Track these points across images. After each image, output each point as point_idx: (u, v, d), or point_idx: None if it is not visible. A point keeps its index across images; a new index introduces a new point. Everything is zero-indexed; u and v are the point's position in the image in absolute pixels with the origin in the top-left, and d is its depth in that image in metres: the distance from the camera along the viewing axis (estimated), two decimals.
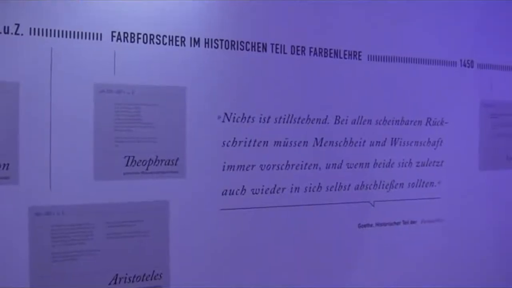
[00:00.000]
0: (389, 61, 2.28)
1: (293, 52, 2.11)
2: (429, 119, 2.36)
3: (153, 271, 1.91)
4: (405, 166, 2.32)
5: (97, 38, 1.81)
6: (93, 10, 1.80)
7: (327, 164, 2.18)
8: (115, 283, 1.86)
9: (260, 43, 2.06)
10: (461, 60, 2.43)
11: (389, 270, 2.31)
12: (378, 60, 2.26)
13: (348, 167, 2.22)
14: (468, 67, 2.45)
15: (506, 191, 2.55)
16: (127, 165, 1.86)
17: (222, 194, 2.01)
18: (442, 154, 2.39)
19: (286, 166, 2.11)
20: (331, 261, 2.21)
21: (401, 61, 2.31)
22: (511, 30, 2.55)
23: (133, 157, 1.87)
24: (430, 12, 2.36)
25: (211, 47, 1.98)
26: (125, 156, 1.85)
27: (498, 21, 2.52)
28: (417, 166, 2.34)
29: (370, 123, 2.25)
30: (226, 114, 2.01)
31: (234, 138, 2.02)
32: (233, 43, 2.01)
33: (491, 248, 2.52)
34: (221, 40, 2.00)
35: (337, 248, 2.23)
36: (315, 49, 2.15)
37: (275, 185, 2.09)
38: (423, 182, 2.36)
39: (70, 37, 1.77)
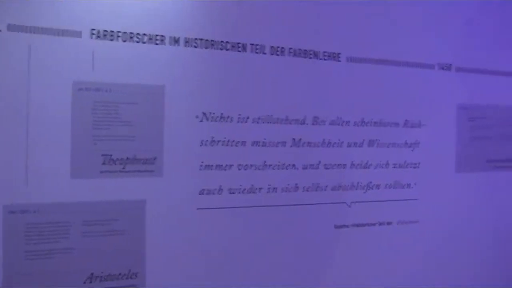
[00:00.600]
0: (368, 63, 2.33)
1: (272, 52, 2.15)
2: (406, 121, 2.41)
3: (129, 270, 1.94)
4: (382, 167, 2.37)
5: (76, 36, 1.84)
6: (72, 8, 1.83)
7: (304, 164, 2.22)
8: (90, 282, 1.89)
9: (239, 43, 2.10)
10: (439, 63, 2.49)
11: (365, 270, 2.36)
12: (357, 62, 2.31)
13: (325, 168, 2.26)
14: (447, 70, 2.50)
15: (482, 193, 2.61)
16: (104, 163, 1.88)
17: (199, 194, 2.04)
18: (419, 156, 2.45)
19: (264, 166, 2.15)
20: (307, 261, 2.26)
21: (380, 63, 2.35)
22: (490, 34, 2.61)
23: (111, 155, 1.89)
24: (410, 15, 2.42)
25: (191, 46, 2.01)
26: (103, 155, 1.88)
27: (477, 25, 2.58)
28: (394, 167, 2.40)
29: (348, 125, 2.29)
30: (204, 113, 2.04)
31: (212, 137, 2.06)
32: (212, 42, 2.05)
33: (467, 249, 2.59)
34: (201, 39, 2.03)
35: (313, 248, 2.27)
36: (294, 50, 2.19)
37: (252, 185, 2.13)
38: (400, 184, 2.42)
39: (48, 34, 1.80)
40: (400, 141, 2.41)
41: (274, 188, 2.18)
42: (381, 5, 2.35)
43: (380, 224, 2.39)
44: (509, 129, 2.67)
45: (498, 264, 2.66)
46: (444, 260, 2.54)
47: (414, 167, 2.44)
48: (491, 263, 2.65)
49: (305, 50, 2.22)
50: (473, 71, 2.58)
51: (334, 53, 2.27)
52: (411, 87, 2.43)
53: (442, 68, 2.50)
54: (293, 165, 2.21)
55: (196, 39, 2.02)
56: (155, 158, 1.97)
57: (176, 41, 1.99)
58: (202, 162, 2.05)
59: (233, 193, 2.11)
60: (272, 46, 2.15)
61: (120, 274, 1.93)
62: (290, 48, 2.19)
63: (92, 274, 1.89)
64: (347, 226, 2.33)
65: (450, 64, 2.52)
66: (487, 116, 2.62)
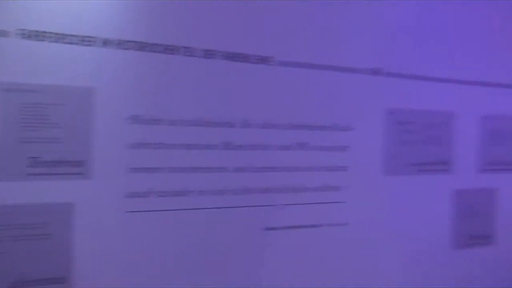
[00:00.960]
0: (299, 67, 2.38)
1: (204, 55, 2.18)
2: (336, 125, 2.48)
3: (57, 274, 1.94)
4: (312, 170, 2.43)
5: (3, 36, 1.83)
6: None
7: (234, 167, 2.26)
8: (16, 286, 1.88)
9: (171, 45, 2.12)
10: (369, 68, 2.56)
11: (295, 272, 2.41)
12: (288, 65, 2.36)
13: (255, 171, 2.31)
14: (376, 74, 2.58)
15: (409, 196, 2.70)
16: (31, 166, 1.88)
17: (128, 197, 2.06)
18: (347, 159, 2.51)
19: (194, 169, 2.18)
20: (237, 264, 2.30)
21: (310, 67, 2.41)
22: (420, 40, 2.71)
23: (38, 157, 1.89)
24: (341, 19, 2.49)
25: (122, 48, 2.03)
26: (30, 157, 1.88)
27: (408, 31, 2.67)
28: (323, 170, 2.45)
29: (278, 128, 2.34)
30: (134, 116, 2.06)
31: (142, 140, 2.08)
32: (144, 45, 2.07)
33: (395, 251, 2.68)
34: (133, 41, 2.05)
35: (244, 251, 2.31)
36: (226, 53, 2.22)
37: (182, 188, 2.16)
38: (329, 187, 2.48)
39: None
40: (329, 144, 2.47)
41: (203, 191, 2.21)
42: (313, 10, 2.41)
43: (310, 226, 2.45)
44: (435, 133, 2.77)
45: (423, 265, 2.76)
46: (372, 261, 2.62)
47: (342, 170, 2.51)
48: (417, 264, 2.74)
49: (237, 54, 2.25)
50: (402, 76, 2.66)
51: (266, 56, 2.32)
52: (340, 91, 2.49)
53: (372, 73, 2.57)
54: (223, 168, 2.24)
55: (127, 41, 2.04)
56: (83, 161, 1.97)
57: (107, 42, 2.00)
58: (131, 165, 2.06)
59: (163, 196, 2.13)
60: (203, 49, 2.18)
61: (47, 278, 1.93)
62: (222, 52, 2.22)
63: (18, 278, 1.88)
64: (277, 229, 2.37)
65: (380, 69, 2.59)
66: (414, 121, 2.71)
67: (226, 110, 2.24)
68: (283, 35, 2.36)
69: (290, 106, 2.38)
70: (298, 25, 2.39)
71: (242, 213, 2.30)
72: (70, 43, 1.94)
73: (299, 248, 2.43)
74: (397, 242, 2.69)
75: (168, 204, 2.14)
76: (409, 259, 2.73)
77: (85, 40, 1.97)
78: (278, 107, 2.35)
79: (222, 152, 2.24)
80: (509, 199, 3.00)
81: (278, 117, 2.35)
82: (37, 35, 1.89)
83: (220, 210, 2.25)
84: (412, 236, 2.73)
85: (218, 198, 2.24)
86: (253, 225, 2.33)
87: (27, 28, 1.87)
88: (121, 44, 2.03)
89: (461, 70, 2.83)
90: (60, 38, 1.93)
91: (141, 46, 2.07)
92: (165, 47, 2.11)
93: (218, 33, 2.22)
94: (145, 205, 2.10)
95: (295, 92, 2.39)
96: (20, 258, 1.89)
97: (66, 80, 1.94)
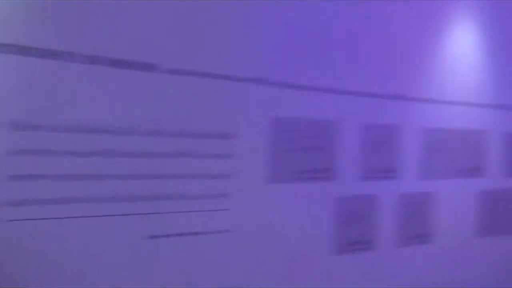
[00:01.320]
0: (185, 74, 2.42)
1: (87, 61, 2.18)
2: (220, 133, 2.54)
3: None
4: (196, 178, 2.47)
5: None
6: None
7: (118, 175, 2.27)
8: None
9: (53, 50, 2.11)
10: (254, 77, 2.64)
11: (179, 280, 2.45)
12: (175, 73, 2.40)
13: (139, 179, 2.33)
14: (261, 83, 2.66)
15: (291, 203, 2.79)
16: None
17: (10, 205, 2.03)
18: (231, 167, 2.57)
19: (76, 176, 2.17)
20: (120, 273, 2.31)
21: (196, 75, 2.46)
22: (304, 50, 2.81)
23: None
24: (227, 29, 2.55)
25: (3, 52, 2.00)
26: None
27: (292, 42, 2.77)
28: (207, 178, 2.50)
29: (163, 135, 2.37)
30: (12, 122, 2.03)
31: (21, 146, 2.05)
32: (25, 49, 2.04)
33: (277, 257, 2.75)
34: (12, 45, 2.02)
35: (127, 259, 2.32)
36: (110, 59, 2.23)
37: (65, 196, 2.15)
38: (213, 194, 2.53)
39: None
40: (214, 152, 2.52)
41: (86, 199, 2.20)
42: (200, 19, 2.47)
43: (194, 234, 2.48)
44: (318, 141, 2.87)
45: (303, 270, 2.85)
46: (255, 267, 2.68)
47: (226, 178, 2.57)
48: (298, 270, 2.83)
49: (122, 60, 2.27)
50: (286, 85, 2.75)
51: (151, 64, 2.34)
52: (225, 100, 2.56)
53: (257, 82, 2.65)
54: (107, 175, 2.25)
55: (7, 44, 2.01)
56: None
57: None
58: (11, 172, 2.03)
59: (46, 204, 2.11)
60: (87, 55, 2.18)
61: None
62: (105, 58, 2.23)
63: None
64: (161, 237, 2.40)
65: (265, 78, 2.68)
66: (298, 129, 2.80)
67: (109, 117, 2.25)
68: (169, 43, 2.39)
69: (175, 113, 2.42)
70: (185, 34, 2.44)
71: (125, 221, 2.31)
72: None
73: (182, 256, 2.47)
74: (279, 248, 2.76)
75: (50, 212, 2.12)
76: (289, 265, 2.80)
77: None
78: (163, 114, 2.38)
79: (105, 159, 2.24)
80: (389, 205, 3.15)
81: (163, 124, 2.38)
82: None
83: (103, 218, 2.25)
84: (293, 243, 2.82)
85: (100, 205, 2.24)
86: (136, 233, 2.34)
87: None
88: (2, 48, 2.00)
89: (344, 80, 2.96)
90: None
91: (21, 51, 2.04)
92: (46, 52, 2.09)
93: (103, 39, 2.22)
94: (28, 213, 2.07)
95: (180, 99, 2.43)
96: None
97: None
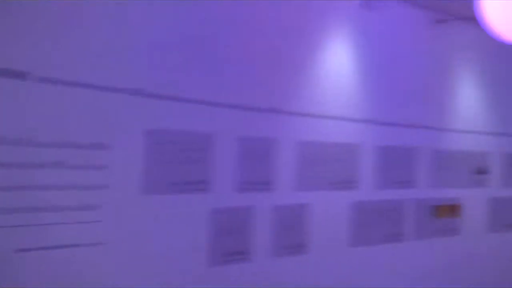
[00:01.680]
0: (58, 84, 2.41)
1: None
2: (95, 144, 2.53)
3: None
4: (68, 189, 2.45)
5: None
6: None
7: None
8: None
9: None
10: (129, 88, 2.65)
11: None
12: (48, 82, 2.38)
13: (8, 190, 2.28)
14: (137, 95, 2.68)
15: (167, 215, 2.82)
16: None
17: None
18: (105, 178, 2.57)
19: None
20: None
21: (70, 85, 2.45)
22: (181, 62, 2.86)
23: None
24: (103, 39, 2.56)
25: None
26: None
27: (168, 53, 2.81)
28: (80, 189, 2.49)
29: (35, 145, 2.35)
30: None
31: None
32: None
33: (151, 270, 2.76)
34: None
35: None
36: None
37: None
38: (86, 206, 2.52)
39: None
40: (87, 163, 2.51)
41: None
42: (77, 27, 2.48)
43: (66, 246, 2.46)
44: (194, 153, 2.92)
45: (179, 283, 2.87)
46: (129, 280, 2.67)
47: (100, 189, 2.56)
48: (173, 283, 2.84)
49: None
50: (164, 98, 2.79)
51: (22, 71, 2.31)
52: (100, 110, 2.56)
53: (133, 93, 2.67)
54: None
55: None
56: None
57: None
58: None
59: None
60: None
61: None
62: None
63: None
64: (31, 250, 2.36)
65: (141, 90, 2.70)
66: (173, 141, 2.84)
67: None
68: (41, 51, 2.37)
69: (48, 123, 2.39)
70: (58, 41, 2.42)
71: None
72: None
73: (54, 269, 2.43)
74: (154, 260, 2.78)
75: None
76: (165, 277, 2.82)
77: None
78: (35, 124, 2.35)
79: None
80: (264, 216, 3.23)
81: (35, 134, 2.35)
82: None
83: None
84: (169, 255, 2.84)
85: None
86: (4, 247, 2.29)
87: None
88: None
89: (220, 93, 3.03)
90: None
91: None
92: None
93: None
94: None
95: (53, 109, 2.41)
96: None
97: None
